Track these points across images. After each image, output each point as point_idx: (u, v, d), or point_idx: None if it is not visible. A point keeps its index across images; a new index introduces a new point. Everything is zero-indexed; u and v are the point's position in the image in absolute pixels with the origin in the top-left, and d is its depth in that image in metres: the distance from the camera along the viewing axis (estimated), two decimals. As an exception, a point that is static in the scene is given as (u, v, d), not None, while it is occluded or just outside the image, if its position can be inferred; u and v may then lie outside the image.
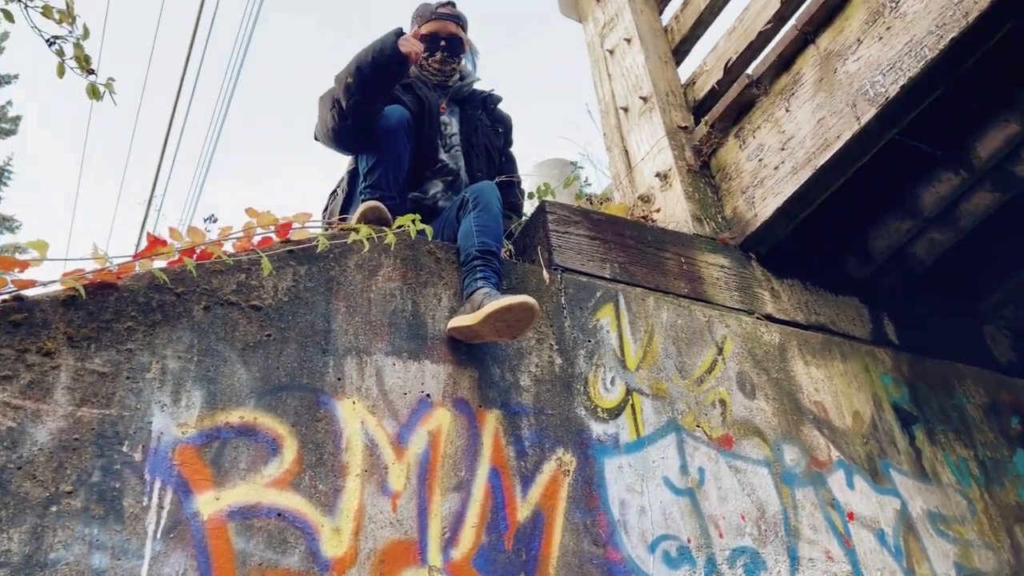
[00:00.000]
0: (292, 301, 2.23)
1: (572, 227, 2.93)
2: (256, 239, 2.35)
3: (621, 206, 3.44)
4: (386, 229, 2.34)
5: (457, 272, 2.55)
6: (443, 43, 3.06)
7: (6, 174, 16.10)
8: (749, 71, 3.41)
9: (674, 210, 3.39)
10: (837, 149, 2.93)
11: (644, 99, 3.83)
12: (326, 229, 2.59)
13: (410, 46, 2.73)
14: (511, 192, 3.21)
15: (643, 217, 3.33)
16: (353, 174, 2.92)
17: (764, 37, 3.53)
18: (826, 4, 3.07)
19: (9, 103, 16.23)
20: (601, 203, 3.75)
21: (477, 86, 3.23)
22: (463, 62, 3.16)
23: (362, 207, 2.55)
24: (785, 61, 3.26)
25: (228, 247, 2.28)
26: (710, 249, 3.21)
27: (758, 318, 3.09)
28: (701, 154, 3.60)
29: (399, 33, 2.75)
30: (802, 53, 3.21)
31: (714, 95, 3.77)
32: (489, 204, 2.62)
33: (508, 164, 3.26)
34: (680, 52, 4.14)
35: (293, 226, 2.39)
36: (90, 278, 1.98)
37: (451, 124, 3.09)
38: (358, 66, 2.74)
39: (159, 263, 2.13)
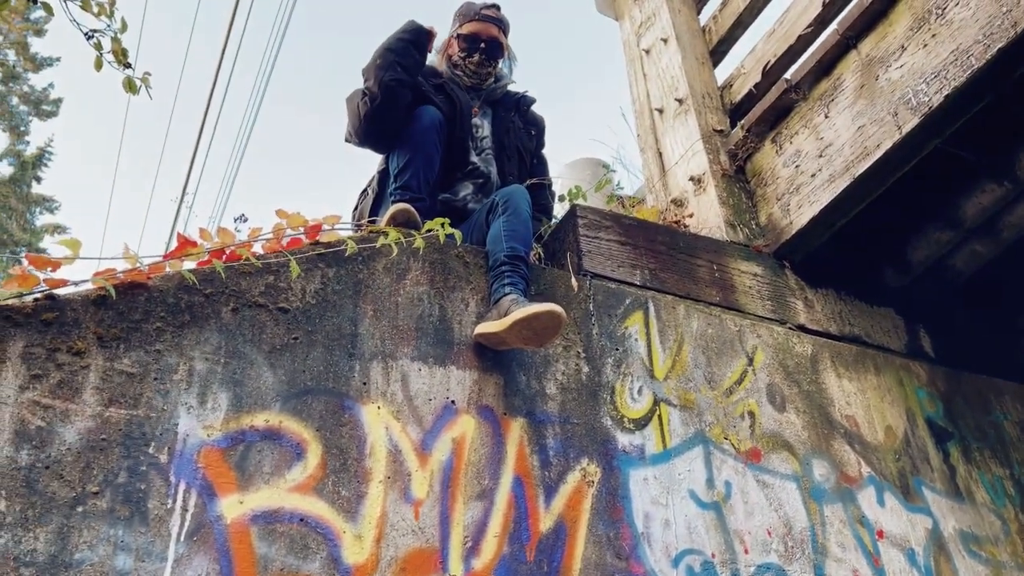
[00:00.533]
0: (320, 304, 2.22)
1: (603, 232, 2.90)
2: (285, 241, 2.35)
3: (653, 210, 3.40)
4: (415, 233, 2.33)
5: (485, 277, 2.54)
6: (483, 45, 3.04)
7: (47, 155, 16.40)
8: (788, 75, 3.35)
9: (707, 215, 3.34)
10: (877, 158, 2.86)
11: (680, 101, 3.78)
12: (355, 231, 2.58)
13: (428, 24, 2.88)
14: (542, 195, 3.19)
15: (675, 222, 3.29)
16: (383, 174, 2.91)
17: (804, 41, 3.47)
18: (869, 9, 3.00)
19: (51, 85, 16.51)
20: (633, 206, 3.71)
21: (511, 88, 3.20)
22: (500, 66, 3.13)
23: (392, 209, 2.54)
24: (825, 66, 3.19)
25: (257, 248, 2.29)
26: (743, 256, 3.16)
27: (790, 328, 3.04)
28: (736, 158, 3.54)
29: (415, 22, 2.92)
30: (843, 58, 3.14)
31: (751, 98, 3.71)
32: (519, 208, 2.60)
33: (540, 167, 3.23)
34: (718, 53, 4.08)
35: (322, 228, 2.39)
36: (121, 278, 1.99)
37: (483, 127, 3.07)
38: (385, 47, 2.83)
39: (189, 264, 2.14)
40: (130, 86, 3.49)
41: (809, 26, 3.40)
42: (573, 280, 2.59)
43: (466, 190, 2.96)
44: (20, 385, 1.76)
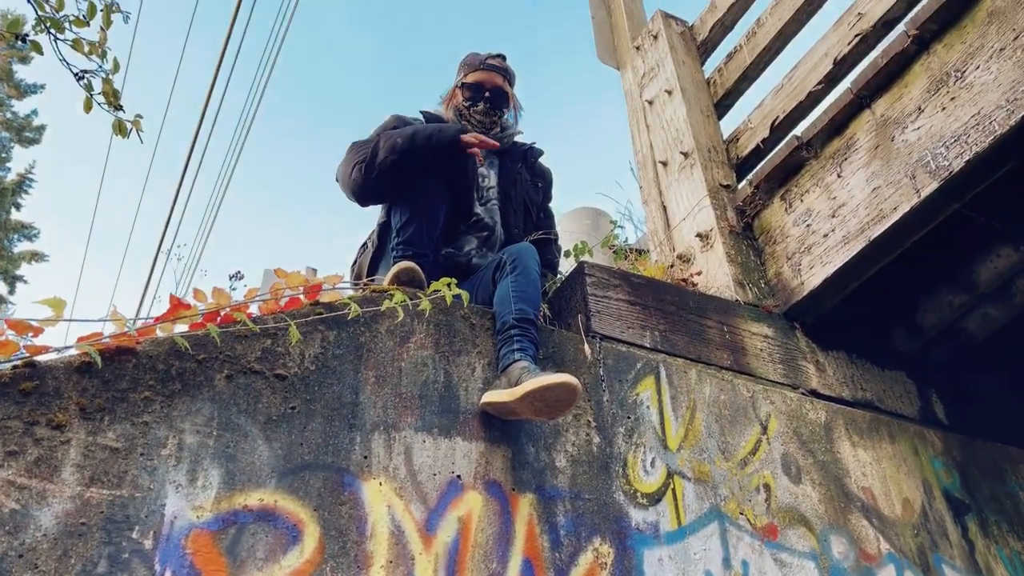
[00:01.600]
0: (319, 370, 2.09)
1: (611, 291, 2.79)
2: (283, 301, 2.22)
3: (660, 267, 3.30)
4: (421, 294, 2.21)
5: (492, 339, 2.42)
6: (487, 94, 2.95)
7: (28, 182, 16.18)
8: (798, 132, 3.28)
9: (716, 273, 3.24)
10: (894, 221, 2.78)
11: (685, 154, 3.70)
12: (357, 290, 2.46)
13: (471, 138, 2.69)
14: (548, 249, 3.09)
15: (683, 280, 3.19)
16: (384, 227, 2.80)
17: (814, 98, 3.41)
18: (884, 69, 2.94)
19: (34, 112, 16.36)
20: (636, 258, 3.61)
21: (518, 139, 3.11)
22: (505, 116, 3.04)
23: (395, 268, 2.42)
24: (838, 125, 3.13)
25: (254, 309, 2.16)
26: (753, 317, 3.06)
27: (803, 394, 2.93)
28: (744, 215, 3.46)
29: (463, 130, 2.73)
30: (856, 118, 3.07)
31: (758, 154, 3.65)
32: (527, 268, 2.49)
33: (546, 220, 3.13)
34: (722, 106, 4.03)
35: (322, 287, 2.27)
36: (107, 343, 1.85)
37: (489, 177, 2.97)
38: (414, 133, 2.67)
39: (181, 327, 2.00)
40: (120, 129, 3.36)
41: (819, 83, 3.35)
42: (586, 348, 2.47)
43: (470, 244, 2.85)
44: (-7, 463, 1.61)
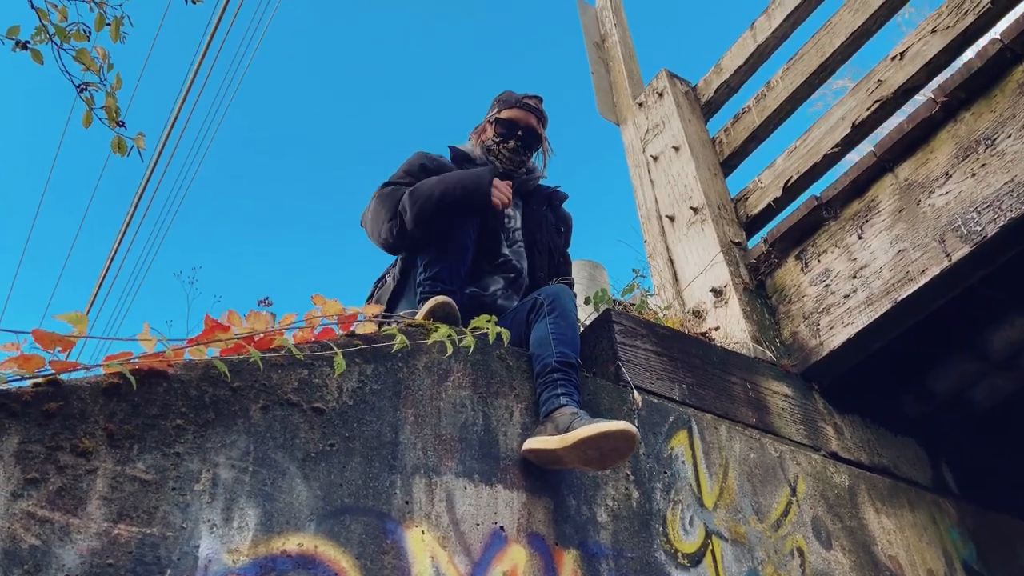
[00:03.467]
0: (357, 405, 1.94)
1: (639, 340, 2.70)
2: (317, 331, 2.07)
3: (677, 320, 3.23)
4: (465, 331, 2.08)
5: (529, 382, 2.29)
6: (520, 133, 2.88)
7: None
8: (816, 192, 3.28)
9: (732, 330, 3.18)
10: (922, 284, 2.77)
11: (695, 210, 3.68)
12: (392, 323, 2.31)
13: (500, 196, 2.58)
14: (565, 283, 2.99)
15: (702, 334, 3.12)
16: (409, 261, 2.67)
17: (829, 160, 3.43)
18: (909, 135, 2.97)
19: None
20: (639, 303, 3.53)
21: (543, 182, 3.04)
22: (533, 158, 2.97)
23: (431, 303, 2.29)
24: (859, 187, 3.14)
25: (287, 337, 2.00)
26: (774, 376, 3.00)
27: (825, 456, 2.86)
28: (758, 273, 3.43)
29: (495, 173, 2.63)
30: (879, 180, 3.08)
31: (769, 213, 3.64)
32: (566, 310, 2.39)
33: (565, 265, 3.04)
34: (728, 166, 4.03)
35: (358, 318, 2.12)
36: (138, 363, 1.68)
37: (515, 218, 2.88)
38: (443, 193, 2.52)
39: (213, 351, 1.83)
40: (120, 147, 3.20)
41: (836, 146, 3.37)
42: (635, 395, 2.36)
43: (496, 284, 2.74)
44: (13, 491, 1.41)
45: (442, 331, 2.03)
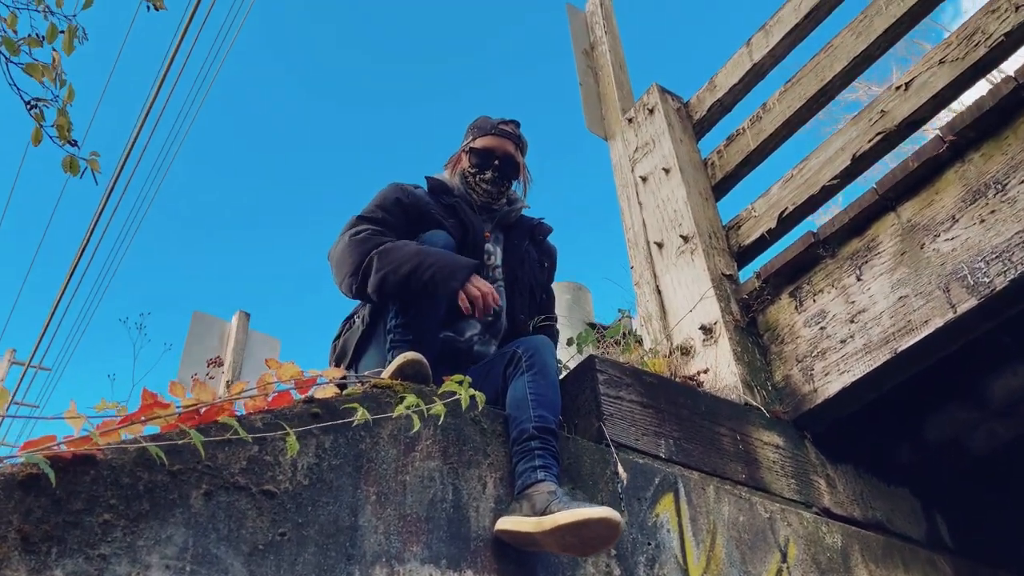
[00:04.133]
0: (313, 485, 1.75)
1: (623, 390, 2.54)
2: (273, 396, 1.88)
3: (661, 361, 3.06)
4: (436, 398, 1.90)
5: (505, 447, 2.12)
6: (496, 162, 2.69)
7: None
8: (813, 228, 3.12)
9: (722, 372, 3.02)
10: (925, 335, 2.61)
11: (684, 238, 3.51)
12: (354, 382, 2.12)
13: (465, 301, 2.30)
14: (549, 335, 2.81)
15: (690, 378, 2.96)
16: (377, 307, 2.47)
17: (827, 192, 3.27)
18: (914, 173, 2.81)
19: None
20: (636, 343, 3.36)
21: (525, 212, 2.85)
22: (512, 187, 2.78)
23: (399, 361, 2.10)
24: (858, 225, 2.97)
25: (238, 407, 1.82)
26: (764, 425, 2.84)
27: (817, 513, 2.71)
28: (750, 310, 3.27)
29: (472, 269, 2.35)
30: (879, 219, 2.92)
31: (762, 244, 3.48)
32: (546, 367, 2.21)
33: (549, 301, 2.86)
34: (720, 190, 3.86)
35: (317, 382, 1.94)
36: (62, 450, 1.48)
37: (495, 254, 2.70)
38: (412, 271, 2.28)
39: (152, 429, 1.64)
40: (72, 167, 2.98)
41: (835, 178, 3.20)
42: (620, 471, 2.19)
43: (472, 329, 2.56)
44: (-99, 618, 1.23)
45: (409, 400, 1.85)
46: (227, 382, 7.38)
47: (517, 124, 2.80)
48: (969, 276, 2.56)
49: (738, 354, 3.06)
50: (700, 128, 4.13)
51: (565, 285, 4.64)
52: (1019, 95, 2.59)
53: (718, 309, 3.19)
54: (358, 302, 2.61)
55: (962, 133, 2.70)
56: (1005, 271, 2.46)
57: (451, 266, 2.31)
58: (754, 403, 2.90)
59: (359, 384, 2.08)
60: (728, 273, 3.41)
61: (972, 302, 2.52)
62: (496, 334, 2.61)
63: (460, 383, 1.97)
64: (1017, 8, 2.74)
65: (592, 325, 4.17)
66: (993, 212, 2.57)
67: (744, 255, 3.54)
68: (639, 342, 3.66)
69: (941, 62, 2.95)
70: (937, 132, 2.78)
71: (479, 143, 2.73)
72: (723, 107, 4.05)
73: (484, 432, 2.12)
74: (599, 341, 3.59)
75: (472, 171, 2.71)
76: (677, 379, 2.86)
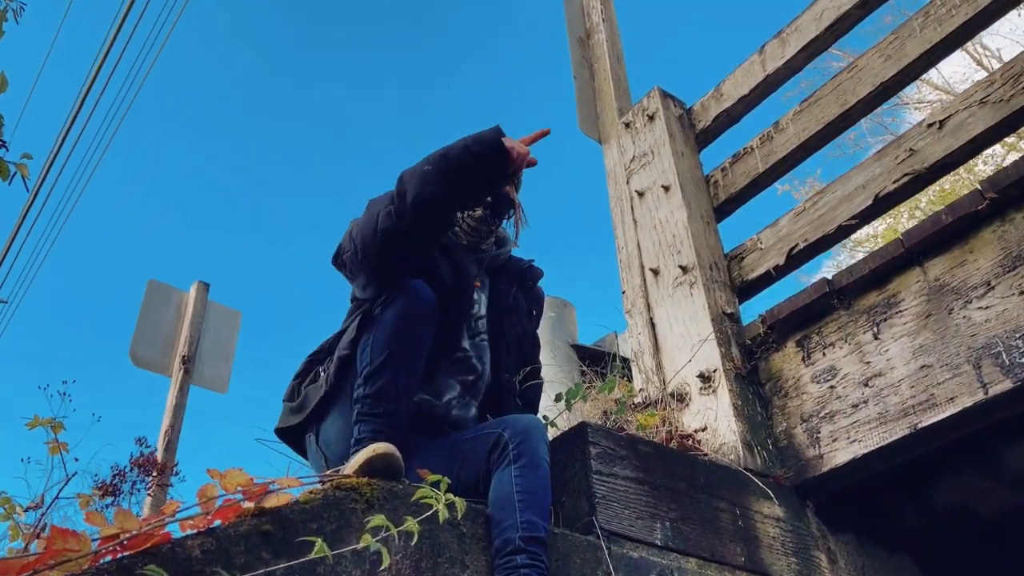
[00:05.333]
0: (259, 628, 1.47)
1: (617, 466, 2.27)
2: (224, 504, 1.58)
3: (653, 417, 2.79)
4: (409, 519, 1.62)
5: (485, 556, 1.84)
6: (489, 198, 2.37)
7: None
8: (828, 276, 2.85)
9: (722, 430, 2.77)
10: (949, 414, 2.38)
11: (683, 268, 3.22)
12: (323, 483, 1.82)
13: (517, 147, 2.12)
14: (535, 387, 2.54)
15: (687, 437, 2.70)
16: (346, 360, 2.16)
17: (844, 232, 3.00)
18: (947, 228, 2.54)
19: None
20: (626, 385, 3.09)
21: (513, 253, 2.55)
22: (502, 225, 2.47)
23: (368, 455, 1.80)
24: (879, 277, 2.71)
25: (174, 528, 1.52)
26: (765, 495, 2.60)
27: (818, 598, 2.49)
28: (752, 356, 3.01)
29: (500, 132, 2.12)
30: (903, 273, 2.66)
31: (768, 279, 3.21)
32: (536, 457, 1.93)
33: (533, 350, 2.57)
34: (721, 212, 3.57)
35: (269, 489, 1.64)
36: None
37: (480, 302, 2.39)
38: (445, 153, 2.08)
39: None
40: (1, 172, 2.63)
41: (854, 218, 2.93)
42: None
43: (451, 392, 2.26)
44: None
45: (375, 522, 1.56)
46: (183, 357, 7.04)
47: (513, 155, 2.47)
48: (1004, 354, 2.31)
49: (738, 408, 2.80)
50: (703, 139, 3.82)
51: (548, 301, 4.33)
52: (1075, 155, 2.31)
53: (718, 355, 2.92)
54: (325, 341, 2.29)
55: (1006, 191, 2.43)
56: (1047, 355, 2.21)
57: (477, 135, 2.11)
58: (754, 467, 2.66)
59: (319, 484, 1.78)
60: (729, 312, 3.14)
61: (1007, 384, 2.27)
62: (477, 395, 2.33)
63: (437, 484, 1.70)
64: (1075, 52, 2.45)
65: (575, 346, 3.90)
66: (1036, 284, 2.32)
67: (746, 290, 3.27)
68: (625, 374, 3.40)
69: (982, 102, 2.66)
70: (977, 185, 2.50)
71: None
72: (730, 119, 3.74)
73: (463, 538, 1.84)
74: (589, 383, 3.32)
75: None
76: (674, 443, 2.60)
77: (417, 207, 2.01)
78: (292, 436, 2.27)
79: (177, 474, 5.25)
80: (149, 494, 4.86)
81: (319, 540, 1.47)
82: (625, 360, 3.69)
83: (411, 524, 1.61)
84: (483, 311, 2.39)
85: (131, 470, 4.52)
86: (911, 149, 2.82)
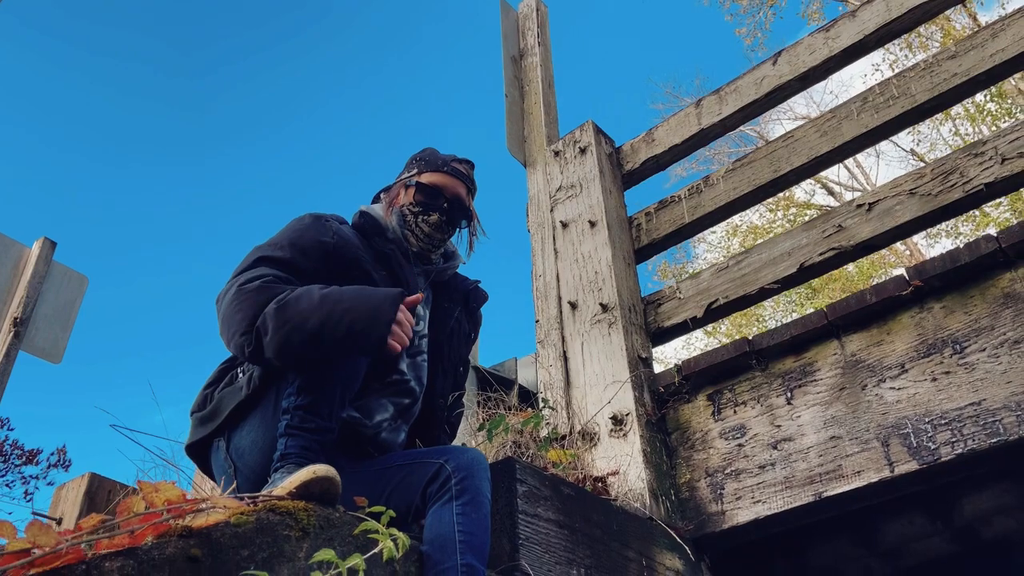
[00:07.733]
0: (180, 670, 1.28)
1: (541, 506, 2.20)
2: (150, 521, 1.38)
3: (564, 452, 2.75)
4: (356, 555, 1.47)
5: (417, 596, 1.71)
6: (445, 204, 2.25)
7: None
8: (749, 336, 2.91)
9: (631, 476, 2.75)
10: (855, 487, 2.46)
11: (604, 307, 3.21)
12: (247, 504, 1.63)
13: (401, 338, 1.81)
14: (456, 411, 2.42)
15: (600, 480, 2.67)
16: (274, 372, 1.97)
17: (764, 293, 3.08)
18: (869, 308, 2.65)
19: None
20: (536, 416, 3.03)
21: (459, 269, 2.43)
22: (453, 236, 2.35)
23: (307, 476, 1.63)
24: (798, 344, 2.79)
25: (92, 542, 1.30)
26: (668, 547, 2.60)
27: (708, 654, 2.51)
28: (664, 404, 3.02)
29: (399, 300, 1.83)
30: (821, 344, 2.75)
31: (682, 329, 3.25)
32: (479, 495, 1.83)
33: (464, 375, 2.46)
34: (641, 255, 3.60)
35: (197, 507, 1.45)
36: None
37: (423, 318, 2.26)
38: (323, 323, 1.77)
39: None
40: None
41: (777, 282, 3.01)
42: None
43: (383, 413, 2.11)
44: None
45: (321, 556, 1.42)
46: (14, 319, 6.38)
47: (472, 165, 2.37)
48: (912, 437, 2.42)
49: (648, 456, 2.80)
50: (628, 180, 3.85)
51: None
52: (997, 258, 2.47)
53: (632, 399, 2.92)
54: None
55: (929, 281, 2.56)
56: (953, 442, 2.33)
57: (372, 306, 1.79)
58: (658, 516, 2.66)
59: (251, 504, 1.59)
60: (644, 356, 3.15)
61: (912, 465, 2.38)
62: (409, 420, 2.19)
63: (378, 516, 1.58)
64: (1004, 160, 2.63)
65: (475, 368, 3.81)
66: (948, 373, 2.44)
67: (661, 336, 3.31)
68: (527, 405, 3.35)
69: (911, 193, 2.81)
70: (903, 272, 2.63)
71: (427, 179, 2.28)
72: (658, 164, 3.79)
73: (395, 575, 1.70)
74: (511, 412, 3.23)
75: (415, 210, 2.25)
76: (588, 485, 2.56)
77: (275, 357, 1.82)
78: (200, 449, 2.05)
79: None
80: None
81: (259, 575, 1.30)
82: (524, 389, 3.63)
83: (357, 560, 1.47)
84: (425, 329, 2.26)
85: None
86: (839, 225, 2.94)
